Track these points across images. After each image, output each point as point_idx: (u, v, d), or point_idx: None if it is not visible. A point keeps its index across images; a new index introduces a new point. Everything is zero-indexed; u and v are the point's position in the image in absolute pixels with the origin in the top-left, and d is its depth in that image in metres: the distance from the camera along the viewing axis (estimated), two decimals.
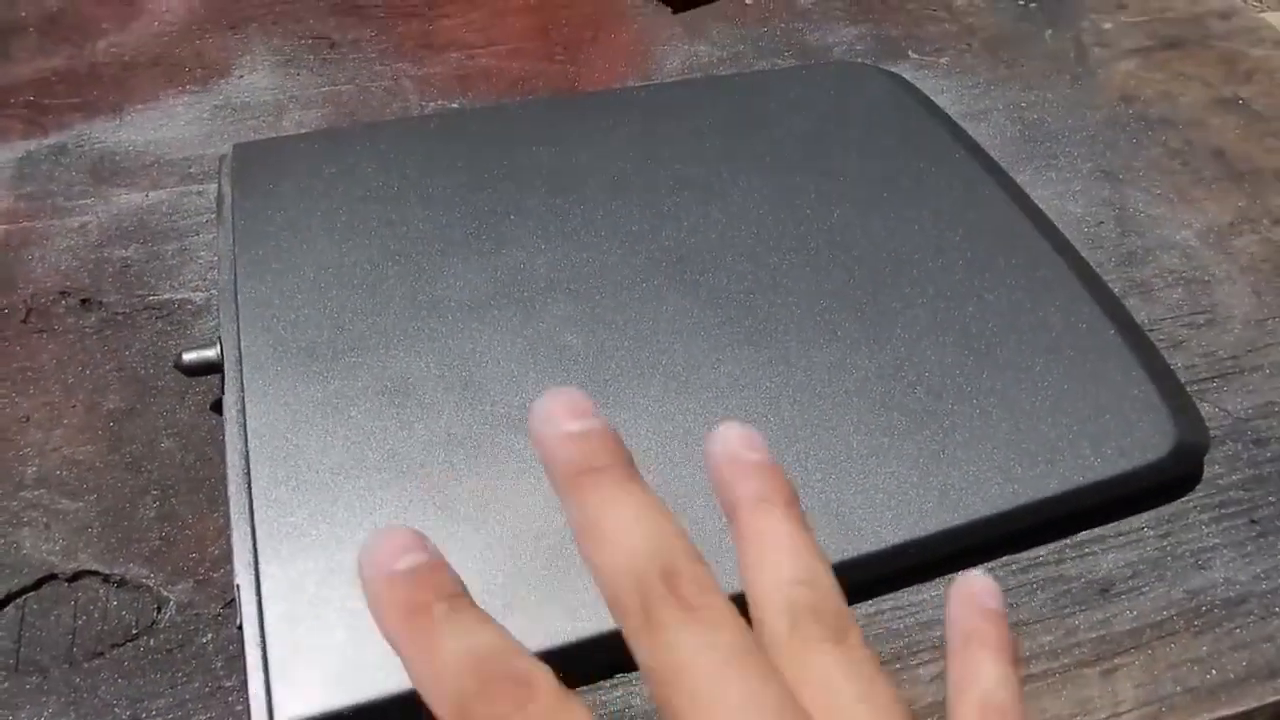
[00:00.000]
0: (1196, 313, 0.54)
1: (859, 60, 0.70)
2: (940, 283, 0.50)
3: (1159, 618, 0.42)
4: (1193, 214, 0.59)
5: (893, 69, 0.67)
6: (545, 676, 0.21)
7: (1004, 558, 0.43)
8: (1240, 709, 0.40)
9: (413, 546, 0.23)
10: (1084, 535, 0.44)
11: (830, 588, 0.25)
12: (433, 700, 0.21)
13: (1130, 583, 0.43)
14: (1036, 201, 0.56)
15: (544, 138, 0.57)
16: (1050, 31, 0.73)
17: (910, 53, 0.71)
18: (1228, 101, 0.67)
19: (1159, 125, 0.65)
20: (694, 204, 0.53)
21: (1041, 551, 0.44)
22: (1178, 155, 0.63)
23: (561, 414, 0.26)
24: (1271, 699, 0.40)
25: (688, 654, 0.21)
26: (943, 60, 0.70)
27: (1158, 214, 0.59)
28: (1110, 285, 0.53)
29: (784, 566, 0.25)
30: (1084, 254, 0.54)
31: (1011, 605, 0.42)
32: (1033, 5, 0.76)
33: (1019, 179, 0.58)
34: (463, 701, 0.21)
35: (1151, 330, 0.52)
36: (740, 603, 0.24)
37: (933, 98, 0.64)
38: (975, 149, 0.59)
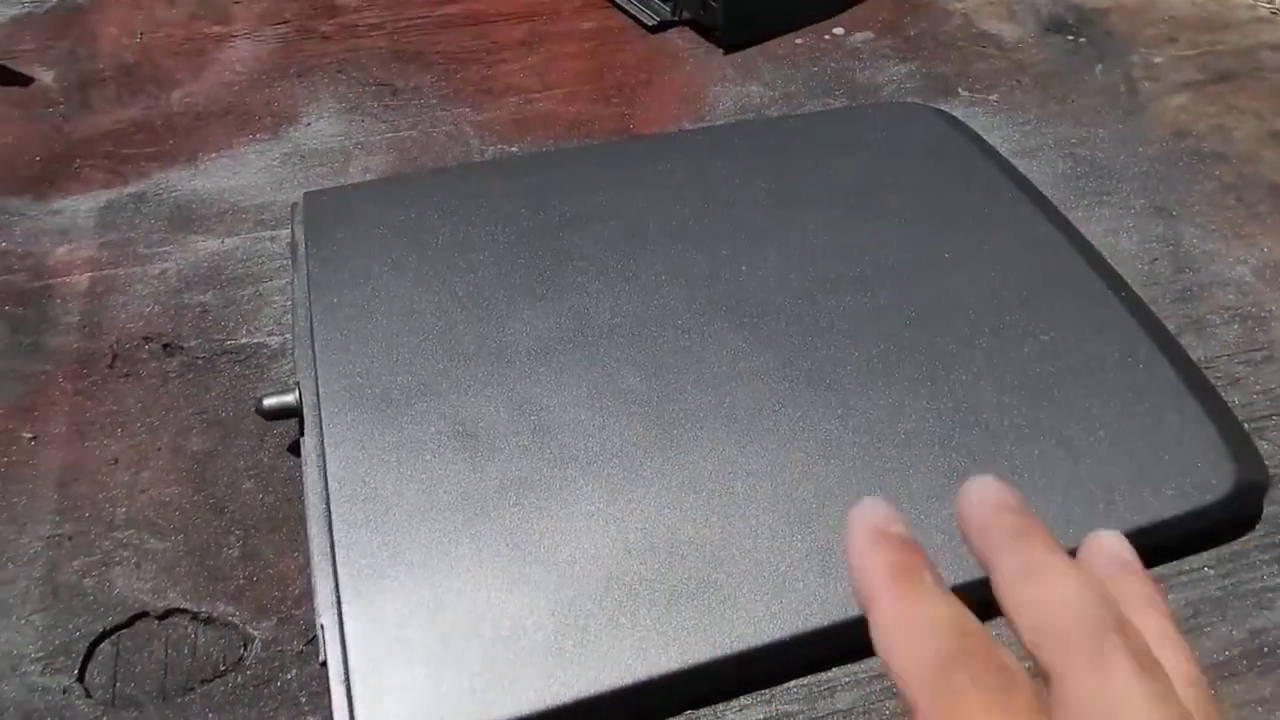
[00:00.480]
0: (1253, 349, 0.54)
1: (909, 99, 0.71)
2: (997, 323, 0.51)
3: (1222, 658, 0.42)
4: (1247, 249, 0.60)
5: (943, 107, 0.68)
6: (1024, 672, 0.22)
7: None
8: None
9: (903, 521, 0.25)
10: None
11: (1213, 703, 0.25)
12: (905, 656, 0.22)
13: (1192, 622, 0.43)
14: (1090, 238, 0.57)
15: (604, 182, 0.59)
16: (1100, 66, 0.74)
17: (960, 90, 0.72)
18: None
19: (1212, 159, 0.66)
20: (752, 247, 0.55)
21: None
22: (1231, 190, 0.63)
23: (994, 499, 0.28)
24: None
25: (1135, 701, 0.22)
26: (993, 97, 0.71)
27: (1212, 249, 0.60)
28: (1166, 322, 0.53)
29: (1182, 665, 0.25)
30: (1139, 291, 0.54)
31: None
32: (1082, 40, 0.77)
33: (1072, 216, 0.59)
34: (944, 663, 0.22)
35: (1208, 368, 0.52)
36: None
37: (984, 135, 0.65)
38: (1028, 187, 0.60)
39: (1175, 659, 0.25)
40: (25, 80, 0.72)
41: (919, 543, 0.26)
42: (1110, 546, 0.29)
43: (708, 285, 0.52)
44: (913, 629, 0.23)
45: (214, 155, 0.67)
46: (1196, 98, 0.71)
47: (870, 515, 0.26)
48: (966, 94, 0.71)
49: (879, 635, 0.24)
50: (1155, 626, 0.26)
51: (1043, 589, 0.25)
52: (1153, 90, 0.72)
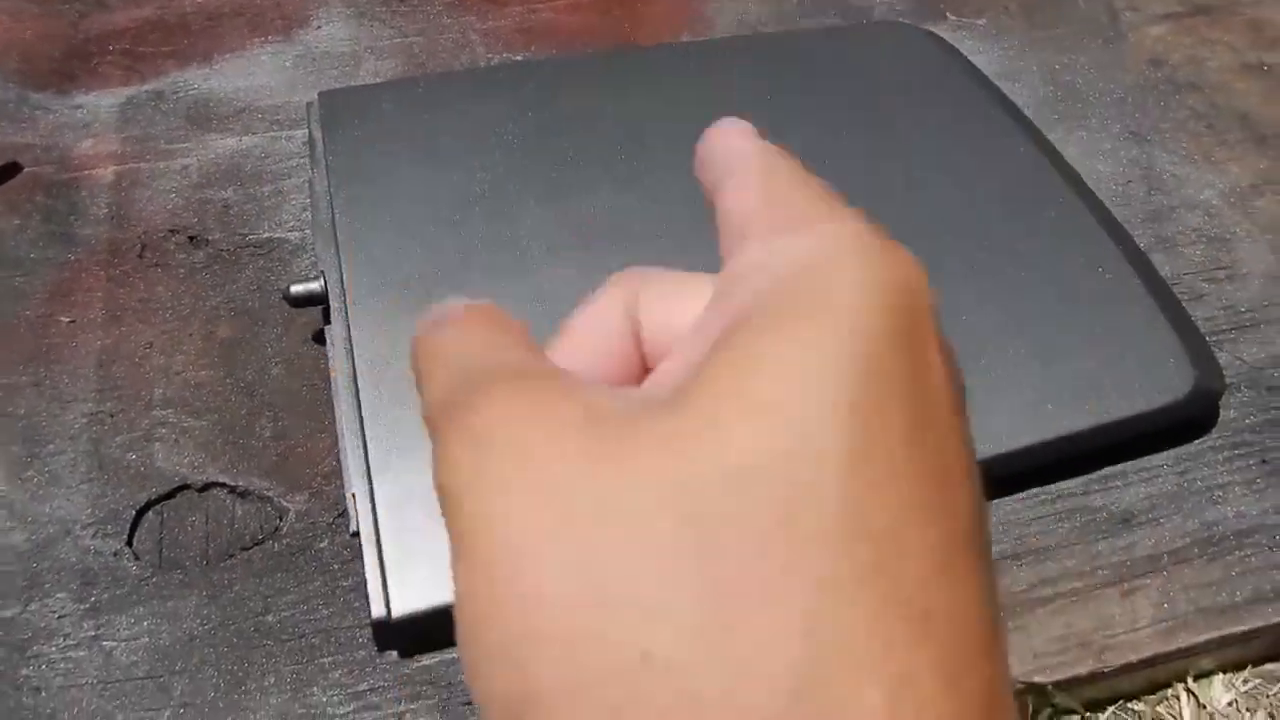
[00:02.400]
0: (1217, 268, 0.58)
1: (900, 20, 0.73)
2: (978, 234, 0.54)
3: (1176, 545, 0.47)
4: (1216, 174, 0.63)
5: (932, 29, 0.71)
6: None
7: (1034, 489, 0.48)
8: (1247, 627, 0.45)
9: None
10: (1108, 470, 0.49)
11: None
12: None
13: (1150, 514, 0.48)
14: (1068, 160, 0.60)
15: (607, 91, 0.61)
16: None
17: (949, 14, 0.74)
18: (1253, 67, 0.71)
19: (1186, 89, 0.69)
20: None
21: (1069, 484, 0.48)
22: (1203, 118, 0.67)
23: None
24: (1276, 619, 0.45)
25: None
26: (980, 22, 0.74)
27: (1183, 174, 0.63)
28: (1137, 240, 0.57)
29: None
30: (1113, 211, 0.58)
31: (1041, 533, 0.47)
32: None
33: (1051, 137, 0.62)
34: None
35: (1175, 284, 0.56)
36: None
37: (970, 57, 0.67)
38: (1011, 108, 0.63)
39: None
40: None
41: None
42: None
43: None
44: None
45: (228, 55, 0.68)
46: (1174, 28, 0.74)
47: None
48: (954, 18, 0.74)
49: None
50: None
51: None
52: (1132, 20, 0.74)
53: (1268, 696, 0.46)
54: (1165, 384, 0.49)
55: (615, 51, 0.68)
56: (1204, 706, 0.45)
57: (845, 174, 0.56)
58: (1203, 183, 0.63)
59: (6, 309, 0.53)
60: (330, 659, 0.42)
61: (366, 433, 0.45)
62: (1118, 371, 0.49)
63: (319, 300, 0.51)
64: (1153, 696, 0.46)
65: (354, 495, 0.44)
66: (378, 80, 0.67)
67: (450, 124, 0.58)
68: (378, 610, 0.41)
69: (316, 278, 0.51)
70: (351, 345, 0.48)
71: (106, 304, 0.54)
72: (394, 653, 0.43)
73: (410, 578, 0.42)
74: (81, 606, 0.43)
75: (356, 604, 0.44)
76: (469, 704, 0.41)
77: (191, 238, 0.57)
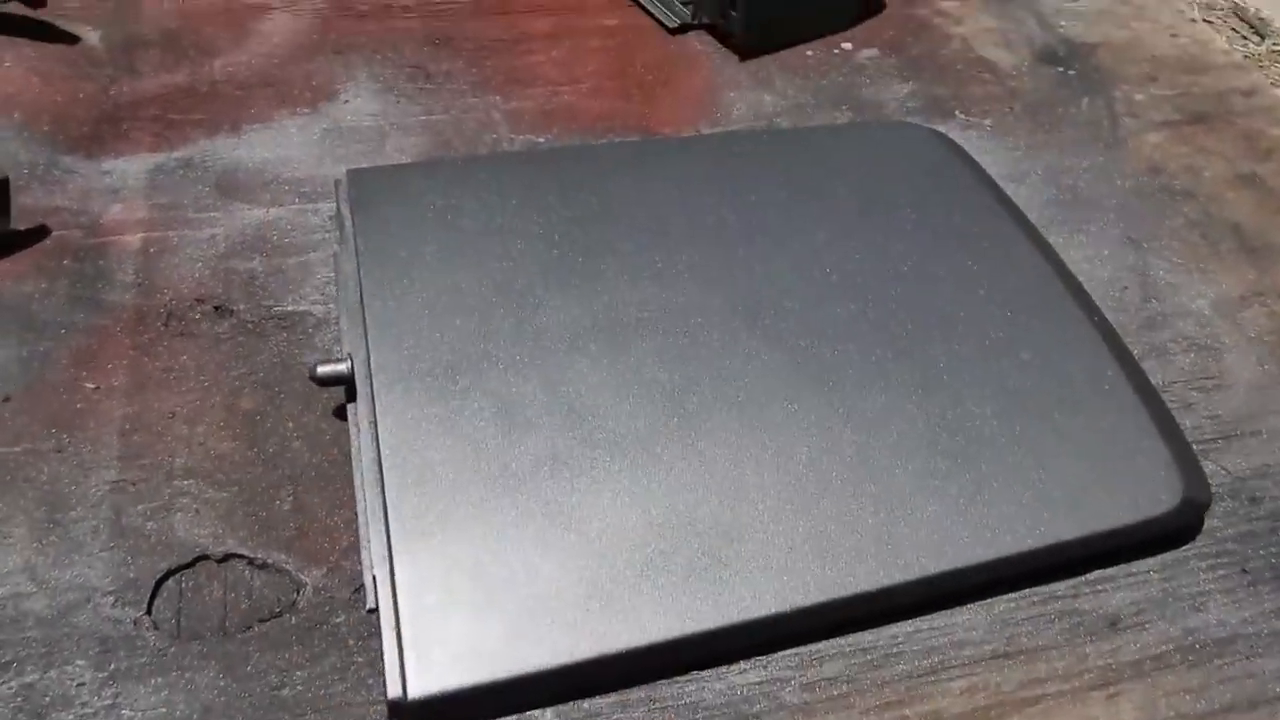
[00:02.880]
0: (1206, 377, 0.60)
1: (910, 118, 0.76)
2: (980, 337, 0.56)
3: (1159, 651, 0.48)
4: (1208, 284, 0.66)
5: (941, 128, 0.74)
6: None
7: (1026, 590, 0.50)
8: None
9: None
10: (1097, 574, 0.51)
11: None
12: None
13: (1136, 619, 0.49)
14: (1069, 264, 0.63)
15: (630, 180, 0.63)
16: (1086, 99, 0.79)
17: (957, 112, 0.77)
18: (1246, 177, 0.74)
19: (1181, 196, 0.72)
20: (764, 251, 0.60)
21: (1059, 587, 0.50)
22: (1197, 227, 0.69)
23: None
24: None
25: None
26: (987, 122, 0.76)
27: (1177, 282, 0.66)
28: (1131, 347, 0.59)
29: None
30: (1109, 316, 0.60)
31: (1031, 633, 0.49)
32: (1071, 73, 0.82)
33: (1053, 241, 0.65)
34: None
35: (1165, 392, 0.58)
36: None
37: (977, 158, 0.70)
38: (1015, 211, 0.65)
39: None
40: (72, 39, 0.75)
41: None
42: None
43: (723, 285, 0.57)
44: None
45: (256, 126, 0.70)
46: (1172, 136, 0.77)
47: None
48: (963, 116, 0.77)
49: None
50: None
51: None
52: (1132, 126, 0.77)
53: None
54: (1155, 495, 0.51)
55: (637, 142, 0.71)
56: None
57: (850, 271, 0.59)
58: (1195, 291, 0.65)
59: (33, 373, 0.55)
60: None
61: (389, 515, 0.47)
62: (1110, 481, 0.51)
63: (345, 381, 0.52)
64: None
65: (375, 575, 0.46)
66: (403, 156, 0.69)
67: (478, 208, 0.60)
68: (394, 691, 0.43)
69: (344, 359, 0.52)
70: (377, 428, 0.49)
71: (131, 372, 0.56)
72: None
73: (427, 660, 0.43)
74: (100, 675, 0.44)
75: (370, 680, 0.45)
76: None
77: (217, 307, 0.59)
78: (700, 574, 0.46)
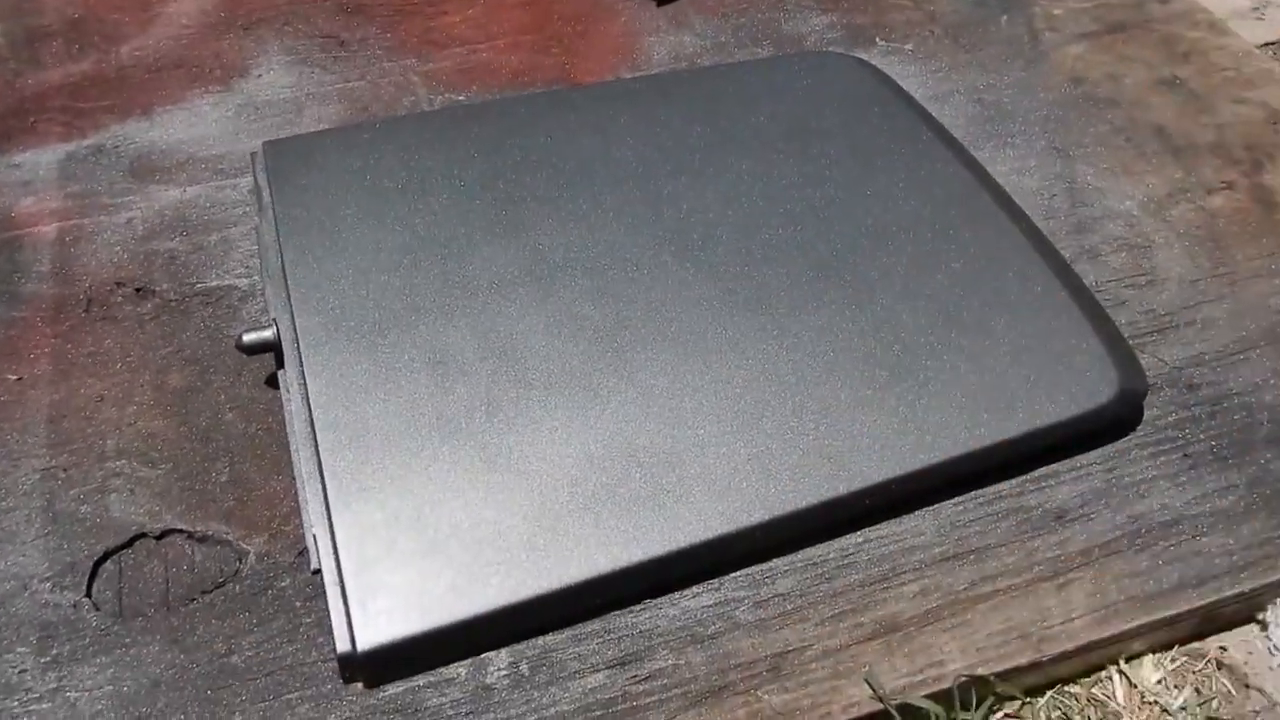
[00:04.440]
0: (1138, 275, 0.60)
1: (831, 49, 0.75)
2: (911, 250, 0.56)
3: (1106, 539, 0.49)
4: (1135, 185, 0.66)
5: (862, 55, 0.73)
6: None
7: (973, 491, 0.50)
8: (1174, 611, 0.47)
9: None
10: (1041, 471, 0.51)
11: None
12: None
13: (1081, 510, 0.50)
14: (996, 177, 0.63)
15: (550, 129, 0.63)
16: (1005, 17, 0.79)
17: (878, 39, 0.77)
18: (1167, 81, 0.74)
19: (1105, 104, 0.72)
20: (689, 187, 0.59)
21: (1005, 486, 0.50)
22: (1122, 132, 0.70)
23: None
24: (1199, 602, 0.47)
25: None
26: (907, 46, 0.76)
27: (1104, 186, 0.66)
28: (1063, 251, 0.59)
29: None
30: (1039, 224, 0.60)
31: (979, 532, 0.49)
32: None
33: (979, 156, 0.64)
34: None
35: (1098, 291, 0.58)
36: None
37: (900, 81, 0.70)
38: (940, 130, 0.65)
39: None
40: None
41: None
42: None
43: (651, 222, 0.57)
44: None
45: (169, 108, 0.69)
46: (1092, 47, 0.77)
47: None
48: (883, 43, 0.76)
49: None
50: None
51: None
52: (1052, 40, 0.77)
53: (1193, 673, 0.48)
54: (1093, 387, 0.51)
55: (556, 92, 0.70)
56: (1135, 686, 0.47)
57: (778, 198, 0.58)
58: (1122, 194, 0.65)
59: None
60: (297, 694, 0.43)
61: (325, 473, 0.46)
62: (1048, 378, 0.51)
63: (272, 347, 0.51)
64: (1087, 679, 0.47)
65: (314, 535, 0.45)
66: (321, 126, 0.68)
67: (396, 168, 0.59)
68: (343, 645, 0.42)
69: (269, 325, 0.51)
70: (307, 390, 0.49)
71: (55, 359, 0.54)
72: (359, 684, 0.43)
73: (373, 611, 0.42)
74: (43, 660, 0.44)
75: (320, 640, 0.45)
76: None
77: (139, 289, 0.58)
78: (645, 502, 0.46)
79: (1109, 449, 0.52)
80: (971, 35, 0.77)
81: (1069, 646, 0.45)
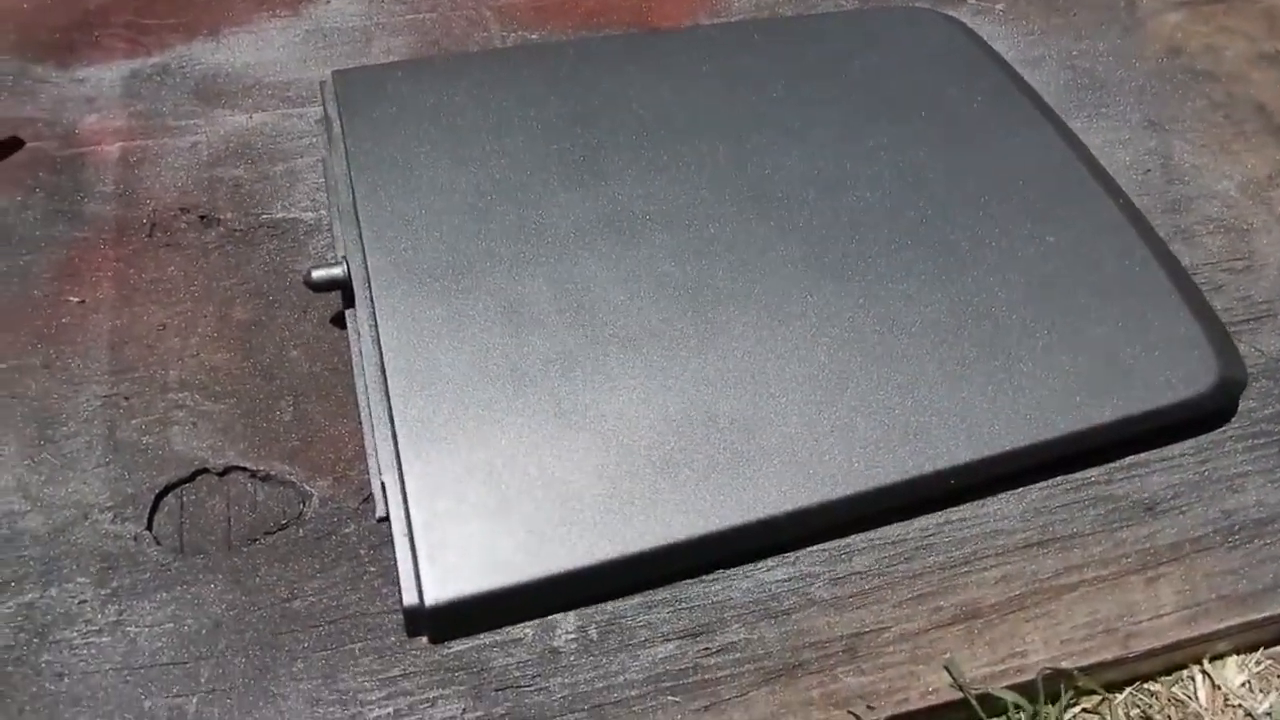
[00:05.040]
0: (1235, 259, 0.58)
1: (918, 3, 0.73)
2: (1005, 223, 0.54)
3: (1197, 534, 0.47)
4: (1233, 165, 0.63)
5: (951, 12, 0.70)
6: None
7: (1058, 477, 0.48)
8: (1267, 614, 0.45)
9: None
10: (1131, 459, 0.49)
11: None
12: None
13: (1172, 502, 0.48)
14: (1090, 148, 0.60)
15: (630, 75, 0.60)
16: None
17: None
18: (1270, 56, 0.71)
19: (1203, 77, 0.69)
20: (773, 142, 0.57)
21: (1093, 473, 0.49)
22: (1220, 108, 0.67)
23: None
24: None
25: None
26: (998, 6, 0.73)
27: (1201, 164, 0.63)
28: (1157, 230, 0.57)
29: None
30: (1133, 200, 0.58)
31: (1065, 520, 0.47)
32: None
33: (1072, 125, 0.62)
34: None
35: (1194, 274, 0.56)
36: None
37: (989, 43, 0.67)
38: (1033, 95, 0.62)
39: None
40: None
41: None
42: None
43: (734, 177, 0.55)
44: None
45: (235, 30, 0.67)
46: (1191, 16, 0.74)
47: None
48: (974, 2, 0.73)
49: None
50: None
51: None
52: (1150, 6, 0.74)
53: (1279, 677, 0.46)
54: (1190, 376, 0.49)
55: (636, 35, 0.67)
56: (1218, 687, 0.46)
57: (865, 159, 0.56)
58: (1220, 173, 0.63)
59: (14, 288, 0.52)
60: (359, 645, 0.42)
61: (395, 421, 0.45)
62: (1143, 363, 0.49)
63: (341, 285, 0.50)
64: (1168, 678, 0.46)
65: (383, 483, 0.44)
66: (390, 57, 0.66)
67: (471, 106, 0.57)
68: (410, 599, 0.41)
69: (338, 263, 0.50)
70: (378, 333, 0.47)
71: (117, 284, 0.53)
72: (424, 638, 0.42)
73: (443, 565, 0.41)
74: (103, 591, 0.43)
75: (384, 590, 0.43)
76: (501, 689, 0.41)
77: (203, 217, 0.56)
78: (723, 469, 0.44)
79: (1202, 440, 0.50)
80: None
81: (1156, 644, 0.44)
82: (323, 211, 0.57)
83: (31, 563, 0.43)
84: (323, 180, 0.58)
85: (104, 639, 0.41)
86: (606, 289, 0.49)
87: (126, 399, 0.49)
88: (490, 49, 0.67)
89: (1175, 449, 0.49)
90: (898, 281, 0.51)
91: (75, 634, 0.41)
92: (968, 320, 0.50)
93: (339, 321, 0.52)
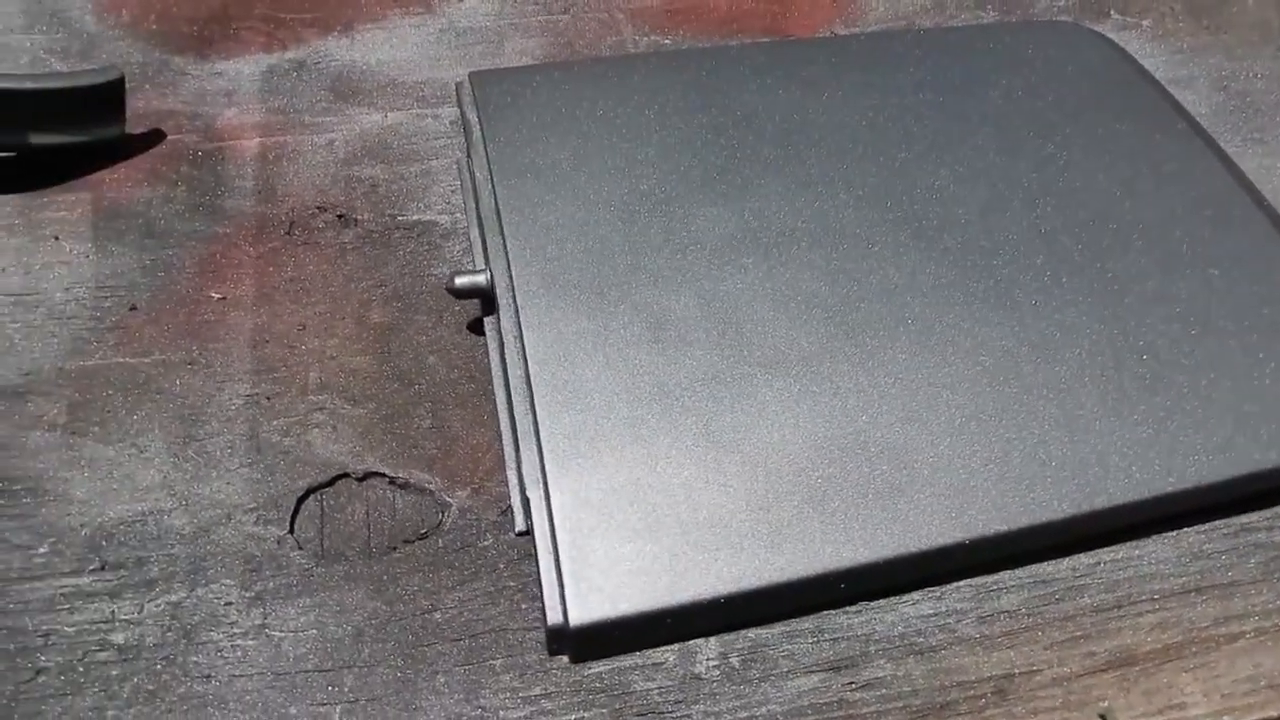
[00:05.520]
0: None
1: (1060, 17, 0.70)
2: (1164, 253, 0.52)
3: None
4: None
5: (1095, 27, 0.68)
6: None
7: (1216, 520, 0.46)
8: None
9: None
10: None
11: None
12: None
13: None
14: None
15: (771, 84, 0.59)
16: None
17: (1112, 12, 0.71)
18: None
19: None
20: (921, 160, 0.55)
21: (1253, 518, 0.46)
22: None
23: None
24: None
25: None
26: (1145, 23, 0.71)
27: None
28: None
29: None
30: None
31: (1225, 566, 0.45)
32: None
33: (1226, 149, 0.59)
34: None
35: None
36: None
37: (1136, 60, 0.65)
38: (1186, 116, 0.60)
39: None
40: None
41: None
42: None
43: (881, 195, 0.54)
44: None
45: (369, 27, 0.67)
46: None
47: None
48: (1119, 17, 0.71)
49: None
50: None
51: None
52: None
53: None
54: None
55: (774, 43, 0.66)
56: None
57: (1016, 179, 0.54)
58: None
59: (159, 281, 0.53)
60: (500, 661, 0.41)
61: (541, 435, 0.44)
62: None
63: (483, 293, 0.50)
64: None
65: (526, 498, 0.43)
66: (523, 58, 0.65)
67: (611, 113, 0.56)
68: (554, 617, 0.40)
69: (481, 270, 0.50)
70: (524, 344, 0.47)
71: (257, 281, 0.53)
72: (564, 657, 0.42)
73: (588, 586, 0.41)
74: (247, 594, 0.43)
75: (524, 605, 0.43)
76: (642, 715, 0.40)
77: (340, 216, 0.56)
78: (872, 500, 0.43)
79: None
80: (1216, 15, 0.71)
81: None
82: (458, 215, 0.56)
83: (179, 561, 0.43)
84: (458, 183, 0.57)
85: (250, 642, 0.41)
86: (754, 307, 0.49)
87: (268, 399, 0.49)
88: (625, 54, 0.66)
89: None
90: (1054, 310, 0.49)
91: (222, 636, 0.42)
92: (1128, 354, 0.48)
93: (475, 328, 0.52)
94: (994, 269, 0.51)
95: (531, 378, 0.46)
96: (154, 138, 0.59)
